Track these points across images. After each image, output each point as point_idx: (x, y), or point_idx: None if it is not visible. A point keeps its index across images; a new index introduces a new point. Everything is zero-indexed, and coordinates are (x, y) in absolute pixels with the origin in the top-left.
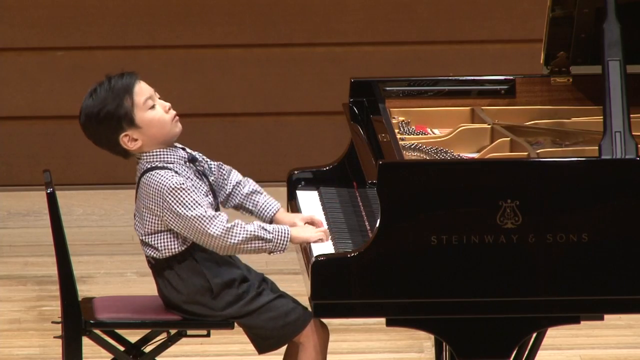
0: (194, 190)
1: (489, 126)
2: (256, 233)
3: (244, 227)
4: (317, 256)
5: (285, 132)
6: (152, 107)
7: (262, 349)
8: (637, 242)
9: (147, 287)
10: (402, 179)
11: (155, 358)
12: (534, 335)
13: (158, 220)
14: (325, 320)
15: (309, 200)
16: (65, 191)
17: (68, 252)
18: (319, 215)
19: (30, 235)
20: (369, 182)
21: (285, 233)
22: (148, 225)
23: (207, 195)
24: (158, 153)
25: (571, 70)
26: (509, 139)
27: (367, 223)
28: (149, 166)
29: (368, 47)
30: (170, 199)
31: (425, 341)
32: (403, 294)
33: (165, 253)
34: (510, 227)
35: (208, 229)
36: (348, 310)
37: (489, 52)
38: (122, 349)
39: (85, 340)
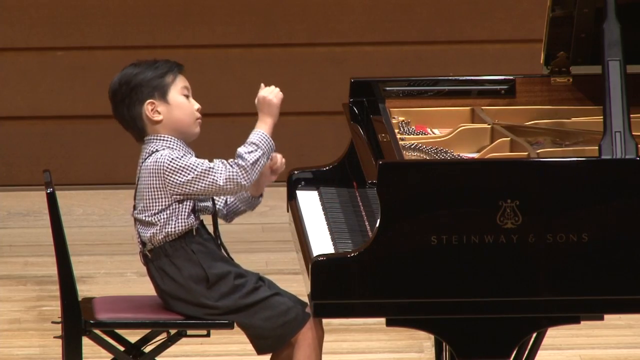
0: (185, 156)
1: (489, 126)
2: (250, 161)
3: (238, 164)
4: (317, 256)
5: (285, 132)
6: (187, 96)
7: (261, 349)
8: (637, 242)
9: (147, 287)
10: (402, 179)
11: (155, 358)
12: (534, 335)
13: (164, 197)
14: (325, 320)
15: (309, 200)
16: (65, 191)
17: (68, 252)
18: (319, 215)
19: (30, 235)
20: (369, 182)
21: (264, 137)
22: (155, 205)
23: (206, 201)
24: (169, 139)
25: (571, 70)
26: (509, 139)
27: (367, 223)
28: (154, 149)
29: (368, 47)
30: (169, 172)
31: (425, 341)
32: (403, 294)
33: (164, 238)
34: (510, 227)
35: (217, 181)
36: (348, 310)
37: (489, 52)
38: (122, 349)
39: (85, 340)
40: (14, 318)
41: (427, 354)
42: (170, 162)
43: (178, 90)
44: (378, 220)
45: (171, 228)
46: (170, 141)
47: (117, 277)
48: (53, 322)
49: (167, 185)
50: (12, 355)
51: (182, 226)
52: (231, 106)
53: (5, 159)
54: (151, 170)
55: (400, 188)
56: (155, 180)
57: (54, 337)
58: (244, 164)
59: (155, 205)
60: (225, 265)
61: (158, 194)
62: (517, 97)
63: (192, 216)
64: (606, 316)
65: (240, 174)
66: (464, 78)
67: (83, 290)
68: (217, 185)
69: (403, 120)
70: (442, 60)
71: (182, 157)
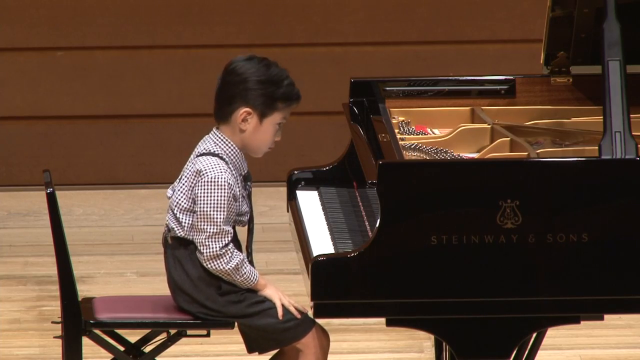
0: (227, 196)
1: (489, 126)
2: (232, 277)
3: (230, 263)
4: (317, 256)
5: (285, 132)
6: (278, 125)
7: (251, 349)
8: (637, 242)
9: (147, 287)
10: (402, 179)
11: (155, 358)
12: (534, 335)
13: (191, 200)
14: (325, 320)
15: (309, 200)
16: (65, 191)
17: (68, 252)
18: (319, 215)
19: (30, 235)
20: (369, 182)
21: (254, 283)
22: (184, 200)
23: (243, 211)
24: (230, 145)
25: (571, 70)
26: (509, 139)
27: (367, 223)
28: (211, 149)
29: (368, 47)
30: (202, 186)
31: (425, 341)
32: (403, 294)
33: (188, 233)
34: (510, 227)
35: (204, 237)
36: (348, 310)
37: (489, 52)
38: (122, 349)
39: (85, 341)
40: (14, 318)
41: (427, 354)
42: (207, 191)
43: (276, 119)
44: (378, 220)
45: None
46: (230, 147)
47: (117, 277)
48: (53, 322)
49: (192, 196)
50: (12, 355)
51: None
52: None
53: (5, 159)
54: (194, 174)
55: (400, 188)
56: (191, 183)
57: (54, 337)
58: (226, 267)
59: (185, 204)
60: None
61: (189, 196)
62: (517, 97)
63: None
64: (606, 316)
65: (221, 264)
66: (464, 78)
67: (83, 290)
68: (202, 244)
69: (403, 120)
70: (442, 60)
71: (221, 198)
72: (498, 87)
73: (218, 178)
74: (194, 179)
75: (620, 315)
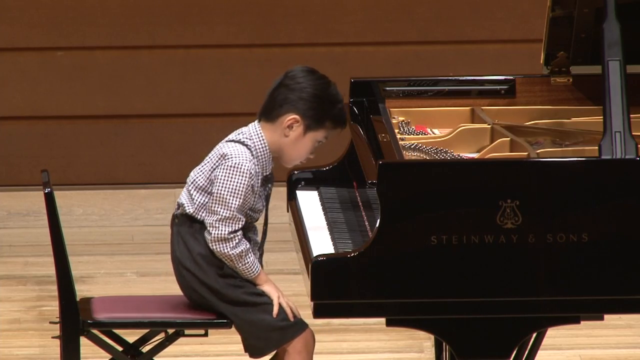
0: (246, 184)
1: (489, 126)
2: (235, 263)
3: (235, 249)
4: (316, 256)
5: None
6: (318, 142)
7: (253, 352)
8: (637, 242)
9: (147, 287)
10: (402, 179)
11: (154, 358)
12: (534, 335)
13: (209, 181)
14: (325, 320)
15: (309, 200)
16: (65, 191)
17: (66, 252)
18: (319, 215)
19: (30, 235)
20: (369, 182)
21: (254, 275)
22: (202, 179)
23: (258, 209)
24: (263, 143)
25: (571, 70)
26: (508, 139)
27: (367, 223)
28: (242, 139)
29: (368, 47)
30: (224, 169)
31: (425, 341)
32: (403, 294)
33: (197, 211)
34: (510, 227)
35: (216, 219)
36: (348, 310)
37: (489, 52)
38: (120, 349)
39: (84, 341)
40: (13, 318)
41: (427, 354)
42: (228, 175)
43: (319, 136)
44: (378, 220)
45: (201, 215)
46: (263, 145)
47: (117, 277)
48: (51, 322)
49: (211, 177)
50: (12, 355)
51: None
52: (231, 106)
53: (5, 159)
54: (218, 157)
55: (400, 188)
56: (213, 164)
57: (52, 337)
58: (231, 252)
59: (202, 182)
60: None
61: (208, 176)
62: (517, 97)
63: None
64: (606, 316)
65: (226, 248)
66: (464, 78)
67: (83, 290)
68: (212, 225)
69: (403, 120)
70: (442, 60)
71: (240, 184)
72: (498, 87)
73: (241, 165)
74: (217, 161)
75: (620, 315)
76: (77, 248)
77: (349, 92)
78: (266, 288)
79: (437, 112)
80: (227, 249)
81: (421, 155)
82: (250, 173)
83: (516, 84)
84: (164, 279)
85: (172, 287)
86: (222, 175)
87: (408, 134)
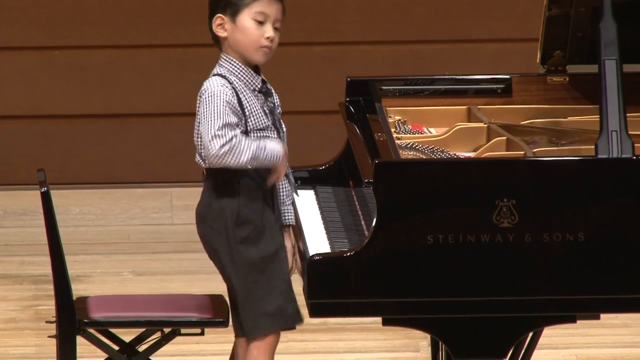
0: (224, 100)
1: (485, 125)
2: (252, 150)
3: (240, 158)
4: (312, 255)
5: None
6: (260, 23)
7: (240, 330)
8: (634, 241)
9: (143, 286)
10: (398, 178)
11: (150, 357)
12: (531, 334)
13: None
14: (321, 320)
15: (306, 199)
16: (62, 190)
17: (62, 251)
18: (315, 214)
19: (26, 234)
20: (366, 181)
21: (275, 155)
22: (196, 131)
23: (266, 130)
24: (232, 62)
25: (568, 69)
26: (505, 138)
27: (363, 222)
28: (213, 72)
29: (366, 47)
30: (201, 104)
31: (421, 340)
32: (399, 293)
33: (204, 162)
34: (506, 227)
35: (206, 140)
36: (344, 310)
37: (487, 51)
38: (116, 348)
39: (80, 340)
40: (9, 317)
41: (423, 354)
42: (204, 105)
43: (251, 14)
44: (374, 220)
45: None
46: (233, 64)
47: (113, 277)
48: (47, 322)
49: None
50: (8, 355)
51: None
52: None
53: (3, 158)
54: (198, 94)
55: (397, 187)
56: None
57: (49, 337)
58: (238, 162)
59: (196, 134)
60: (258, 212)
61: (197, 125)
62: (513, 96)
63: None
64: (602, 315)
65: (230, 160)
66: (460, 77)
67: (79, 290)
68: (217, 156)
69: (399, 120)
70: (440, 59)
71: (217, 105)
72: (494, 86)
73: (212, 90)
74: (197, 105)
75: (617, 314)
76: (73, 247)
77: (345, 91)
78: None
79: (433, 111)
80: (232, 161)
81: (417, 155)
82: (225, 93)
83: (512, 83)
84: (160, 278)
85: (168, 287)
86: (200, 108)
87: (404, 133)
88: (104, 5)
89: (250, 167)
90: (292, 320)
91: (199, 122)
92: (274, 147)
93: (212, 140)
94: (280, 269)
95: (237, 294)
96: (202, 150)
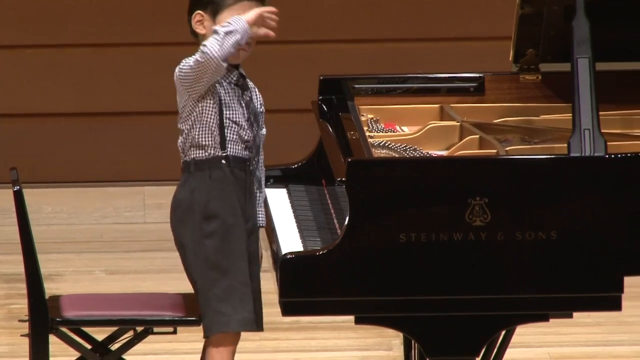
0: (194, 63)
1: (458, 124)
2: (221, 36)
3: (210, 42)
4: (285, 254)
5: None
6: None
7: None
8: (605, 239)
9: (116, 285)
10: (371, 177)
11: (123, 356)
12: (503, 333)
13: (185, 99)
14: (293, 318)
15: (278, 198)
16: (34, 189)
17: (35, 250)
18: (288, 213)
19: None
20: (338, 179)
21: (239, 20)
22: (183, 110)
23: (241, 122)
24: None
25: (540, 67)
26: (477, 136)
27: (335, 221)
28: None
29: (339, 45)
30: (179, 69)
31: (393, 339)
32: (372, 291)
33: (196, 134)
34: (479, 225)
35: (188, 64)
36: (317, 308)
37: (460, 49)
38: (89, 347)
39: (53, 339)
40: None
41: (395, 352)
42: (179, 70)
43: (232, 15)
44: (347, 218)
45: (197, 133)
46: None
47: (85, 275)
48: (20, 321)
49: (178, 82)
50: None
51: (207, 136)
52: None
53: None
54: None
55: (369, 186)
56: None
57: (21, 335)
58: (216, 36)
59: (183, 111)
60: (228, 208)
61: (180, 98)
62: (486, 94)
63: (216, 130)
64: (575, 314)
65: (213, 43)
66: (433, 75)
67: (52, 288)
68: (195, 61)
69: (372, 118)
70: (413, 57)
71: (187, 62)
72: (467, 84)
73: (185, 60)
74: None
75: (589, 313)
76: (46, 246)
77: (317, 89)
78: (250, 14)
79: (406, 110)
80: (203, 62)
81: (390, 153)
82: (198, 60)
83: (485, 81)
84: (132, 277)
85: (141, 285)
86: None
87: (377, 132)
88: (76, 4)
89: (233, 51)
90: (247, 325)
91: (184, 110)
92: (231, 21)
93: (186, 61)
94: (242, 272)
95: (198, 291)
96: (182, 86)
